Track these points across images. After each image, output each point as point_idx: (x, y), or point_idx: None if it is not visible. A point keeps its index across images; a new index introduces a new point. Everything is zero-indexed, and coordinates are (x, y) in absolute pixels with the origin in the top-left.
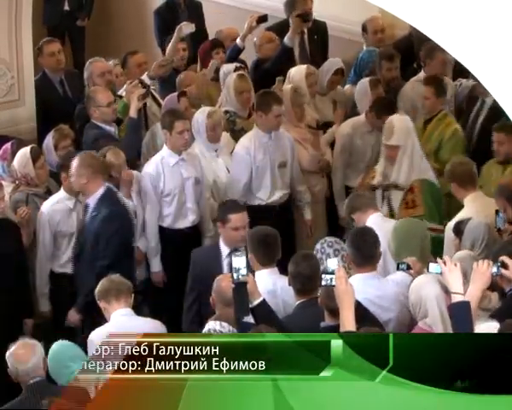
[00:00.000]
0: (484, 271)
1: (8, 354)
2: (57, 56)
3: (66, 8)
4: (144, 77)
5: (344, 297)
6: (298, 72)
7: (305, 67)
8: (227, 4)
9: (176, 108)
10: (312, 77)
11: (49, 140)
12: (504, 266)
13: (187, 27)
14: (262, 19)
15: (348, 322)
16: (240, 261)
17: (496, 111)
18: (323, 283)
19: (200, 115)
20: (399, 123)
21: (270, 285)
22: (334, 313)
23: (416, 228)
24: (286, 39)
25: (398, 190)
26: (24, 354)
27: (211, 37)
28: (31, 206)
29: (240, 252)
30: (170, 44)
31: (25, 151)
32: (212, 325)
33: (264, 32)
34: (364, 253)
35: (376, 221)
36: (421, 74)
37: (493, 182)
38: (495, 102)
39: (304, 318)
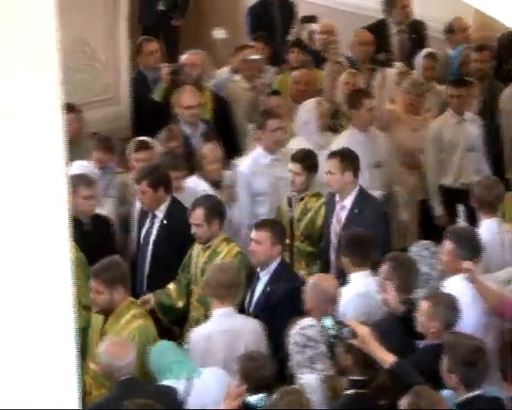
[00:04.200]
0: None
1: (102, 348)
2: (155, 55)
3: (162, 7)
4: (225, 69)
5: (370, 341)
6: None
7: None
8: (321, 4)
9: (269, 107)
10: None
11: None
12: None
13: (217, 33)
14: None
15: (388, 357)
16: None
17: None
18: (344, 335)
19: (308, 106)
20: None
21: (363, 287)
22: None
23: None
24: None
25: None
26: (121, 351)
27: None
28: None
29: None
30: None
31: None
32: (309, 321)
33: (360, 32)
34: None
35: None
36: None
37: None
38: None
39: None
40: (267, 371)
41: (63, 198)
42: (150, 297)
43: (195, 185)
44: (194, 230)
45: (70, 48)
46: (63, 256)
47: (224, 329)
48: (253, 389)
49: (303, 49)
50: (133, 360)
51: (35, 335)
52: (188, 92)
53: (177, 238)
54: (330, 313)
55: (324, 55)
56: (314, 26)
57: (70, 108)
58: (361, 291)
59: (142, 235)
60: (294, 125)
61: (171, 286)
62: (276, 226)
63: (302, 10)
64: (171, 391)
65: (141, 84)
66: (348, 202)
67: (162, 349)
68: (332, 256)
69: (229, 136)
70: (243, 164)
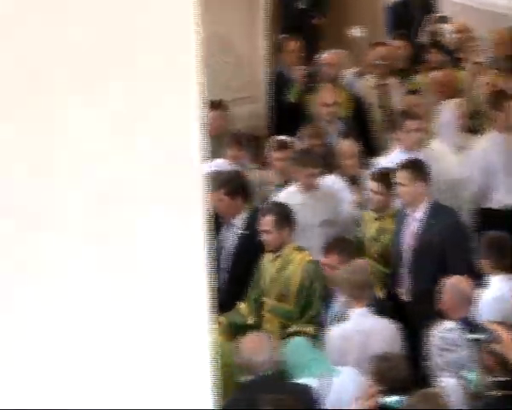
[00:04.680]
0: None
1: (241, 344)
2: (294, 54)
3: (302, 6)
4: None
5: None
6: None
7: None
8: (464, 4)
9: (408, 107)
10: None
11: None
12: None
13: (354, 32)
14: None
15: None
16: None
17: None
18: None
19: (448, 106)
20: None
21: (497, 292)
22: None
23: None
24: None
25: None
26: (259, 346)
27: None
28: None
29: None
30: None
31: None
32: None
33: (498, 31)
34: None
35: None
36: None
37: None
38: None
39: None
40: (401, 372)
41: (201, 197)
42: (223, 320)
43: (333, 183)
44: (263, 236)
45: (209, 41)
46: (199, 256)
47: (359, 329)
48: (388, 390)
49: (440, 49)
50: (272, 355)
51: (169, 335)
52: (326, 90)
53: (254, 248)
54: (466, 313)
55: (459, 54)
56: (446, 27)
57: (215, 106)
58: (496, 295)
59: (216, 243)
60: (434, 126)
61: (242, 305)
62: (343, 246)
63: (443, 10)
64: (308, 390)
65: (279, 83)
66: (420, 213)
67: (298, 346)
68: (404, 271)
69: (367, 135)
70: (382, 164)
